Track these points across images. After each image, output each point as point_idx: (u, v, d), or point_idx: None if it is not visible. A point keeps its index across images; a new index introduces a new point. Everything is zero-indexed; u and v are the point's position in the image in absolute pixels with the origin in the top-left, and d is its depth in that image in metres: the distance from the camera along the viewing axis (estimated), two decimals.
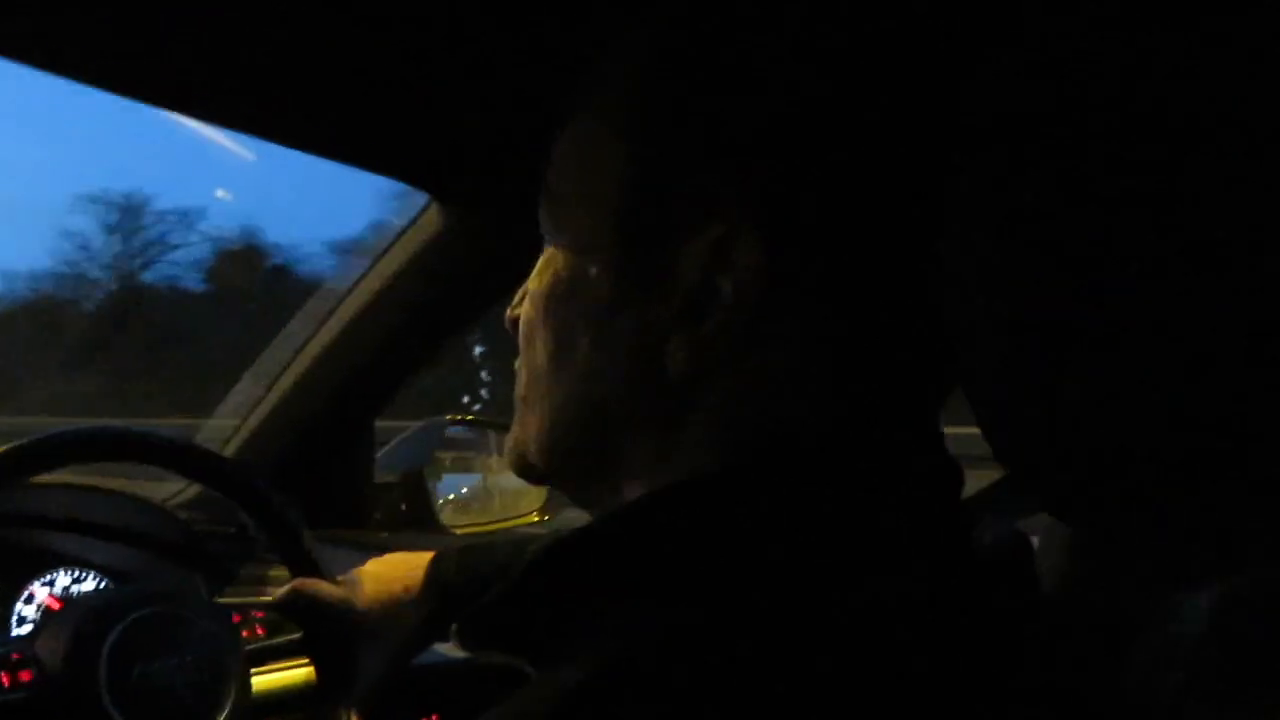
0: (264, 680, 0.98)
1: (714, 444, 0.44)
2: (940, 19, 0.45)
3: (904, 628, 0.38)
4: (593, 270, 0.47)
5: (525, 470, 0.52)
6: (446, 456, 1.54)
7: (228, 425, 1.30)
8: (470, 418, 1.53)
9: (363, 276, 1.22)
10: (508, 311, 0.55)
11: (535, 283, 0.50)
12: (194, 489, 1.27)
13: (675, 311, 0.44)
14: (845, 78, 0.43)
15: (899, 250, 0.44)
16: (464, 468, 1.64)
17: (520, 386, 0.52)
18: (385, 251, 1.19)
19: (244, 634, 1.00)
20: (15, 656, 0.82)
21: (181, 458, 1.01)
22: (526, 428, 0.51)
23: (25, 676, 0.81)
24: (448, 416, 1.51)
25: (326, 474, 1.33)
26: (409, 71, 0.84)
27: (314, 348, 1.25)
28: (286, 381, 1.27)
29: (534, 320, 0.50)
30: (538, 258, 0.51)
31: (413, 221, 1.16)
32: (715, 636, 0.37)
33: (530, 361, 0.50)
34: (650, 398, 0.45)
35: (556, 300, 0.48)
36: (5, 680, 0.80)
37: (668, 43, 0.46)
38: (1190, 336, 0.37)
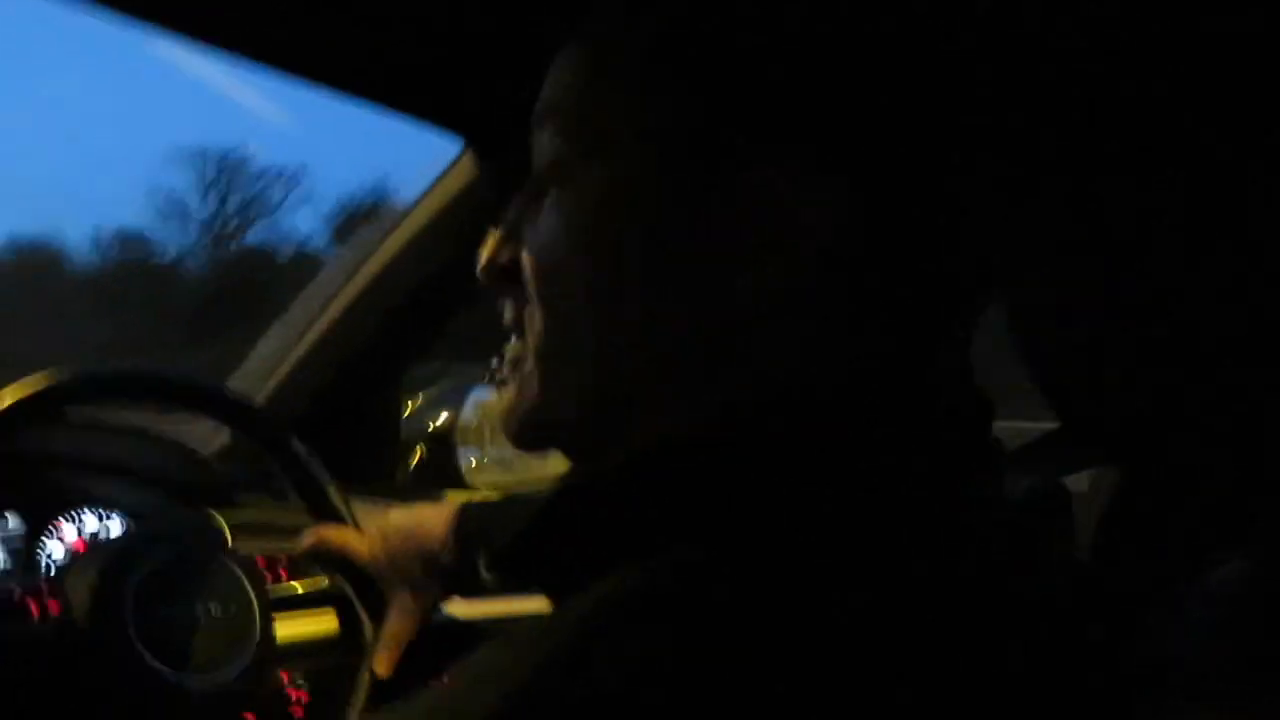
0: (287, 628, 0.99)
1: (756, 382, 0.42)
2: None
3: (921, 572, 0.37)
4: (644, 201, 0.42)
5: (543, 431, 0.47)
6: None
7: (261, 371, 1.31)
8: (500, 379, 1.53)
9: (395, 225, 1.21)
10: (493, 256, 0.48)
11: (557, 218, 0.45)
12: (224, 436, 1.27)
13: (746, 248, 0.41)
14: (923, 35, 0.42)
15: (952, 196, 0.43)
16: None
17: (539, 340, 0.45)
18: (419, 200, 1.18)
19: (268, 580, 1.00)
20: (45, 590, 0.83)
21: (212, 402, 1.02)
22: (552, 389, 0.45)
23: (55, 610, 0.82)
24: (477, 379, 1.51)
25: (354, 426, 1.33)
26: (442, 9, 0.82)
27: (345, 297, 1.25)
28: (316, 332, 1.27)
29: (568, 258, 0.44)
30: None
31: (447, 170, 1.15)
32: (725, 572, 0.36)
33: (555, 310, 0.45)
34: (707, 334, 0.42)
35: (600, 234, 0.43)
36: (36, 612, 0.81)
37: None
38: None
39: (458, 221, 1.16)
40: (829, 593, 0.35)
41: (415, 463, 1.41)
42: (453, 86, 0.97)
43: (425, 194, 1.17)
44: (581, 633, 0.35)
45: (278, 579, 1.04)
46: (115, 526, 1.17)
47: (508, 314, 0.48)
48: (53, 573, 1.10)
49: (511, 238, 0.47)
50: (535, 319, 0.45)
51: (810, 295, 0.41)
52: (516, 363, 0.47)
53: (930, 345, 0.43)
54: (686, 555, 0.37)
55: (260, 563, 1.02)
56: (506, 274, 0.47)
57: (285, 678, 1.05)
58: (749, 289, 0.41)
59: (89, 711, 0.81)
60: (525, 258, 0.46)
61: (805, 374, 0.42)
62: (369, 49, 0.89)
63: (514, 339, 0.48)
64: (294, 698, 1.07)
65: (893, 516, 0.38)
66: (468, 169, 1.11)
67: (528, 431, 0.47)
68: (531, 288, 0.45)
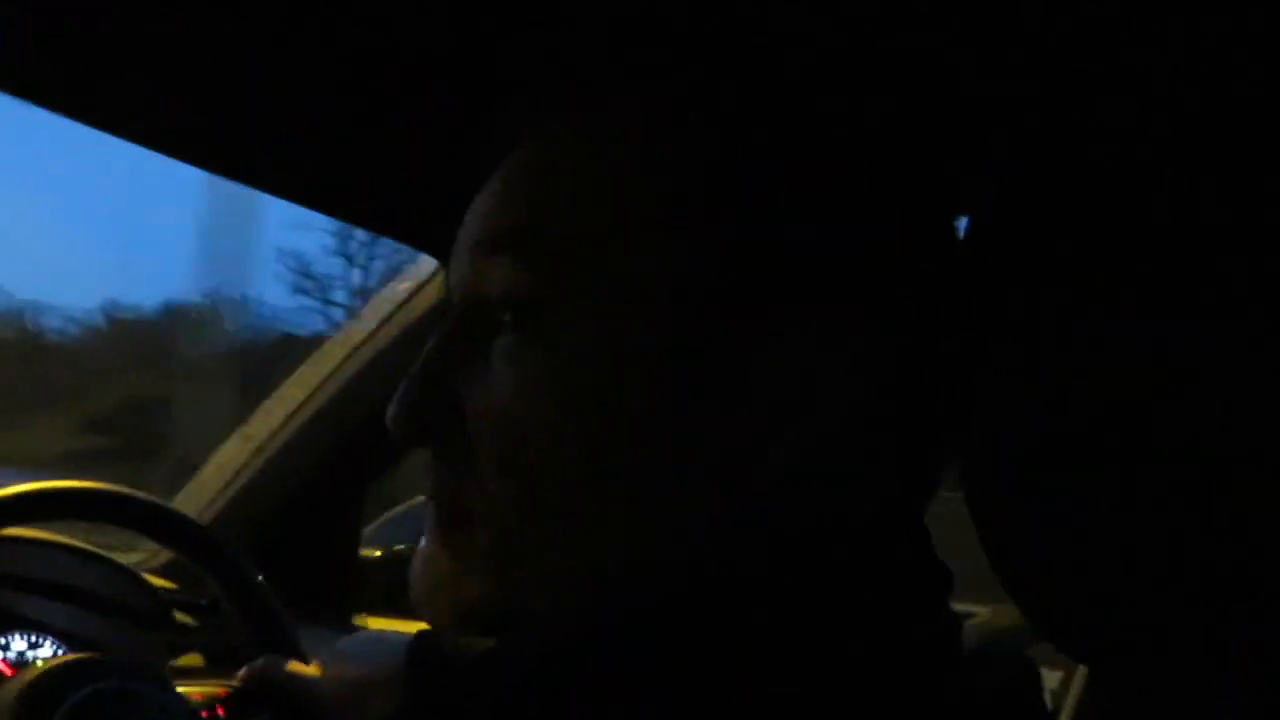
0: None
1: (758, 538, 0.38)
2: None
3: None
4: (655, 360, 0.37)
5: (487, 627, 0.40)
6: None
7: (209, 491, 1.27)
8: None
9: (364, 339, 1.20)
10: (403, 409, 0.41)
11: (527, 368, 0.38)
12: (166, 554, 1.23)
13: (770, 412, 0.37)
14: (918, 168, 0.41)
15: (952, 330, 0.41)
16: None
17: (498, 517, 0.38)
18: (388, 316, 1.17)
19: (203, 715, 0.95)
20: None
21: (152, 520, 0.99)
22: (508, 573, 0.39)
23: None
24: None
25: (310, 548, 1.29)
26: (421, 140, 0.80)
27: (305, 411, 1.23)
28: (275, 445, 1.24)
29: (536, 423, 0.37)
30: None
31: (416, 288, 1.15)
32: None
33: (525, 482, 0.38)
34: (730, 506, 0.37)
35: (591, 397, 0.37)
36: None
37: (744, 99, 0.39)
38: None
39: (427, 336, 1.15)
40: None
41: (375, 590, 1.37)
42: (427, 211, 0.97)
43: (394, 311, 1.17)
44: None
45: (212, 716, 0.99)
46: (45, 650, 1.11)
47: (431, 478, 0.41)
48: None
49: (440, 384, 0.40)
50: (490, 488, 0.38)
51: (831, 461, 0.37)
52: (439, 540, 0.41)
53: (918, 506, 0.41)
54: None
55: (197, 697, 0.96)
56: (430, 430, 0.40)
57: None
58: (792, 449, 0.37)
59: None
60: (472, 412, 0.39)
61: (809, 536, 0.38)
62: (344, 174, 0.89)
63: (434, 508, 0.41)
64: None
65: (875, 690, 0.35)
66: (438, 286, 1.11)
67: (465, 620, 0.41)
68: (485, 451, 0.38)
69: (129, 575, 1.16)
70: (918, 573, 0.39)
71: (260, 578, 0.99)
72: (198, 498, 1.27)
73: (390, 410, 0.41)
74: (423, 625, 1.00)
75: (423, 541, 0.42)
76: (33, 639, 1.11)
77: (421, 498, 1.40)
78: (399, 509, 1.64)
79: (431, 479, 0.41)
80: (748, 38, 0.40)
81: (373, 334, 1.19)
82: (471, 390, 0.39)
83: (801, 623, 0.35)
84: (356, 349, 1.20)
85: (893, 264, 0.38)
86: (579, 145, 0.38)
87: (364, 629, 1.16)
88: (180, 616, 1.18)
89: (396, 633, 0.95)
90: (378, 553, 1.43)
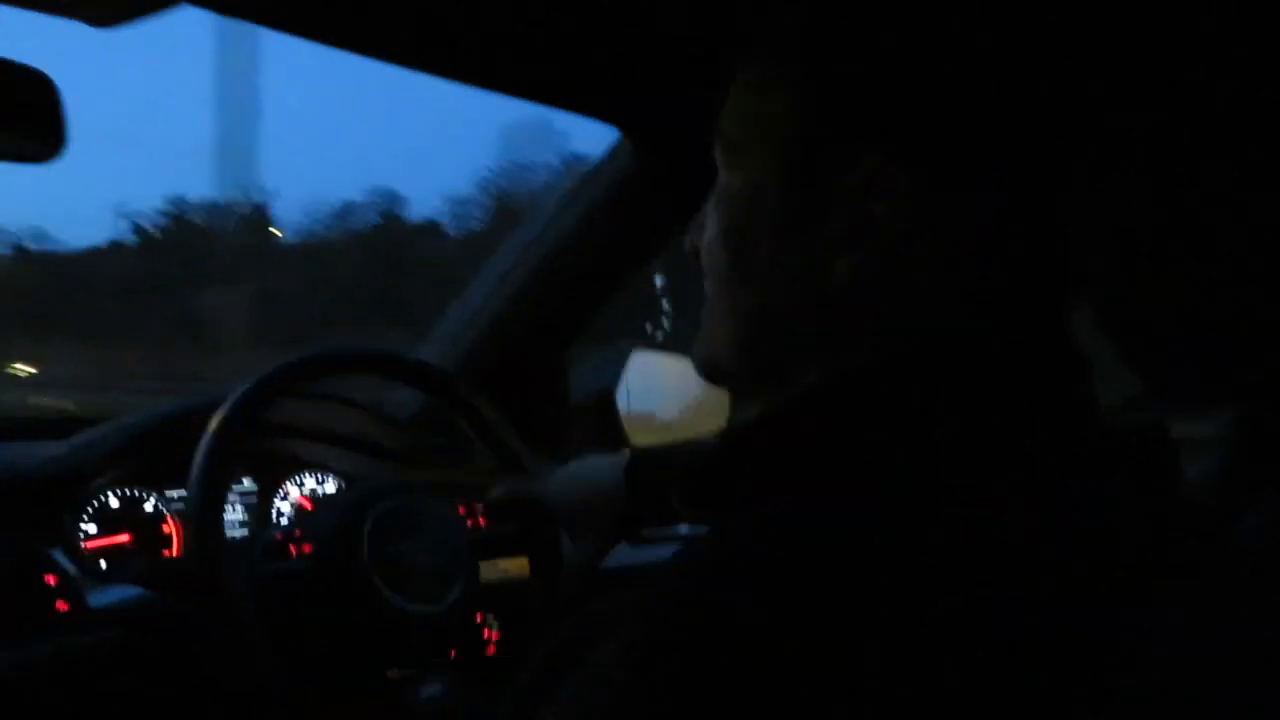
0: (486, 570, 1.16)
1: (870, 347, 0.54)
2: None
3: (1014, 515, 0.46)
4: (766, 198, 0.56)
5: (713, 373, 0.62)
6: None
7: (438, 350, 1.48)
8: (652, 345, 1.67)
9: (559, 211, 1.36)
10: (688, 240, 0.63)
11: (714, 211, 0.59)
12: (417, 403, 1.46)
13: (839, 233, 0.53)
14: (975, 48, 0.54)
15: (1029, 181, 0.54)
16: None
17: (708, 300, 0.60)
18: (579, 187, 1.33)
19: (469, 524, 1.19)
20: (298, 533, 1.03)
21: (414, 373, 1.21)
22: (714, 336, 0.60)
23: (307, 549, 1.03)
24: (633, 341, 1.65)
25: (529, 395, 1.48)
26: (602, 11, 0.95)
27: (516, 278, 1.41)
28: (493, 307, 1.43)
29: (716, 242, 0.59)
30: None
31: (605, 159, 1.29)
32: (833, 519, 0.46)
33: (714, 278, 0.59)
34: (818, 306, 0.55)
35: (734, 224, 0.57)
36: (293, 551, 1.02)
37: (831, 13, 0.56)
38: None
39: (616, 205, 1.31)
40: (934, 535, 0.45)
41: (583, 424, 1.57)
42: (610, 84, 1.12)
43: (586, 179, 1.33)
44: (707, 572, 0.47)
45: (476, 525, 1.23)
46: (330, 486, 1.38)
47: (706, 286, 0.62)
48: (285, 523, 1.31)
49: (698, 227, 0.62)
50: (705, 284, 0.61)
51: (899, 275, 0.53)
52: (703, 317, 0.62)
53: (1021, 308, 0.54)
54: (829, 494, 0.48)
55: (461, 511, 1.21)
56: (695, 251, 0.62)
57: (480, 618, 1.24)
58: (846, 268, 0.53)
59: (333, 630, 1.01)
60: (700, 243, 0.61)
61: (906, 339, 0.53)
62: (533, 51, 1.04)
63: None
64: (488, 636, 1.26)
65: (984, 469, 0.48)
66: (624, 157, 1.26)
67: (703, 368, 0.62)
68: (702, 263, 0.61)
69: (391, 422, 1.41)
70: (1033, 362, 0.53)
71: (490, 407, 1.20)
72: (432, 353, 1.49)
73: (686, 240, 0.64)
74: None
75: None
76: (319, 477, 1.37)
77: (619, 343, 1.58)
78: (596, 357, 1.81)
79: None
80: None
81: (567, 204, 1.36)
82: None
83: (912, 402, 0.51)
84: (551, 222, 1.37)
85: (935, 122, 0.53)
86: (745, 85, 0.59)
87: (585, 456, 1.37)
88: (435, 456, 1.42)
89: (614, 456, 1.15)
90: (580, 396, 1.63)
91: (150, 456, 1.16)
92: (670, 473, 1.06)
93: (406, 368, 1.20)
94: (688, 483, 0.56)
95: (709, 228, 0.60)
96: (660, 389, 1.88)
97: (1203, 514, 0.55)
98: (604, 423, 1.60)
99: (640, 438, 1.69)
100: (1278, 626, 0.43)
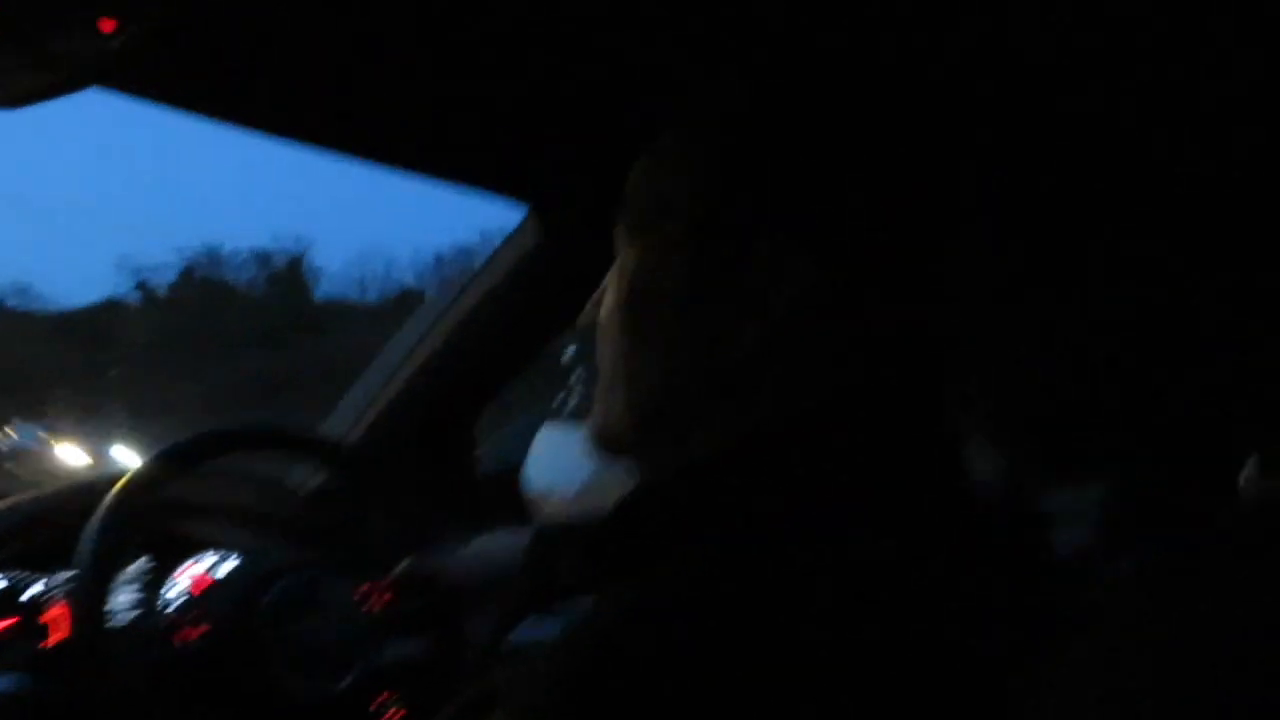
0: (389, 648, 1.15)
1: (763, 415, 0.56)
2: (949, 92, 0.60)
3: (890, 580, 0.49)
4: (672, 272, 0.58)
5: (609, 444, 0.63)
6: None
7: (343, 426, 1.47)
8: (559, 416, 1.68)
9: (468, 285, 1.38)
10: (585, 314, 0.65)
11: (616, 280, 0.61)
12: (318, 478, 1.45)
13: (743, 307, 0.56)
14: (873, 145, 0.58)
15: (912, 272, 0.58)
16: None
17: (604, 374, 0.62)
18: (488, 261, 1.35)
19: (371, 603, 1.18)
20: (194, 614, 1.01)
21: (319, 449, 1.21)
22: (610, 408, 0.61)
23: (203, 630, 1.01)
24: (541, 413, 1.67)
25: (435, 470, 1.49)
26: (513, 94, 0.96)
27: (423, 352, 1.42)
28: (396, 385, 1.44)
29: (617, 313, 0.60)
30: None
31: (513, 234, 1.32)
32: (740, 568, 0.49)
33: (614, 349, 0.61)
34: (719, 375, 0.57)
35: (637, 297, 0.59)
36: (188, 633, 1.00)
37: (749, 101, 0.60)
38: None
39: (524, 279, 1.33)
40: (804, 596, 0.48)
41: (490, 498, 1.57)
42: (517, 161, 1.15)
43: (495, 254, 1.35)
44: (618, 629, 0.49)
45: (379, 604, 1.22)
46: (228, 565, 1.34)
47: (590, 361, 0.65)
48: (181, 604, 1.27)
49: (598, 297, 0.64)
50: (601, 357, 0.62)
51: (797, 346, 0.56)
52: (597, 392, 0.63)
53: (902, 380, 0.57)
54: (711, 554, 0.50)
55: (363, 589, 1.19)
56: (591, 324, 0.64)
57: (385, 697, 1.22)
58: (753, 337, 0.56)
59: (230, 714, 0.99)
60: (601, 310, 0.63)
61: (801, 403, 0.56)
62: (440, 130, 1.06)
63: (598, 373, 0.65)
64: (391, 717, 1.23)
65: (855, 532, 0.51)
66: (531, 232, 1.29)
67: (599, 441, 0.63)
68: (598, 336, 0.63)
69: (293, 498, 1.39)
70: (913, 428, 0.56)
71: (396, 484, 1.20)
72: (335, 428, 1.48)
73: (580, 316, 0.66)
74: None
75: None
76: (217, 556, 1.34)
77: (528, 416, 1.59)
78: (503, 431, 1.82)
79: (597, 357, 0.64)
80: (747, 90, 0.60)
81: (472, 283, 1.37)
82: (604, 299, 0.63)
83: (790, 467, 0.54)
84: (459, 296, 1.39)
85: (833, 213, 0.56)
86: (653, 164, 0.62)
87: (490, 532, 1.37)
88: (337, 532, 1.40)
89: (519, 532, 1.15)
90: (487, 470, 1.63)
91: (39, 538, 1.13)
92: (573, 547, 1.07)
93: (308, 443, 1.20)
94: (582, 553, 0.57)
95: (609, 299, 0.62)
96: (569, 462, 1.90)
97: (1072, 577, 0.57)
98: (511, 497, 1.61)
99: (548, 511, 1.70)
100: (1154, 669, 0.44)
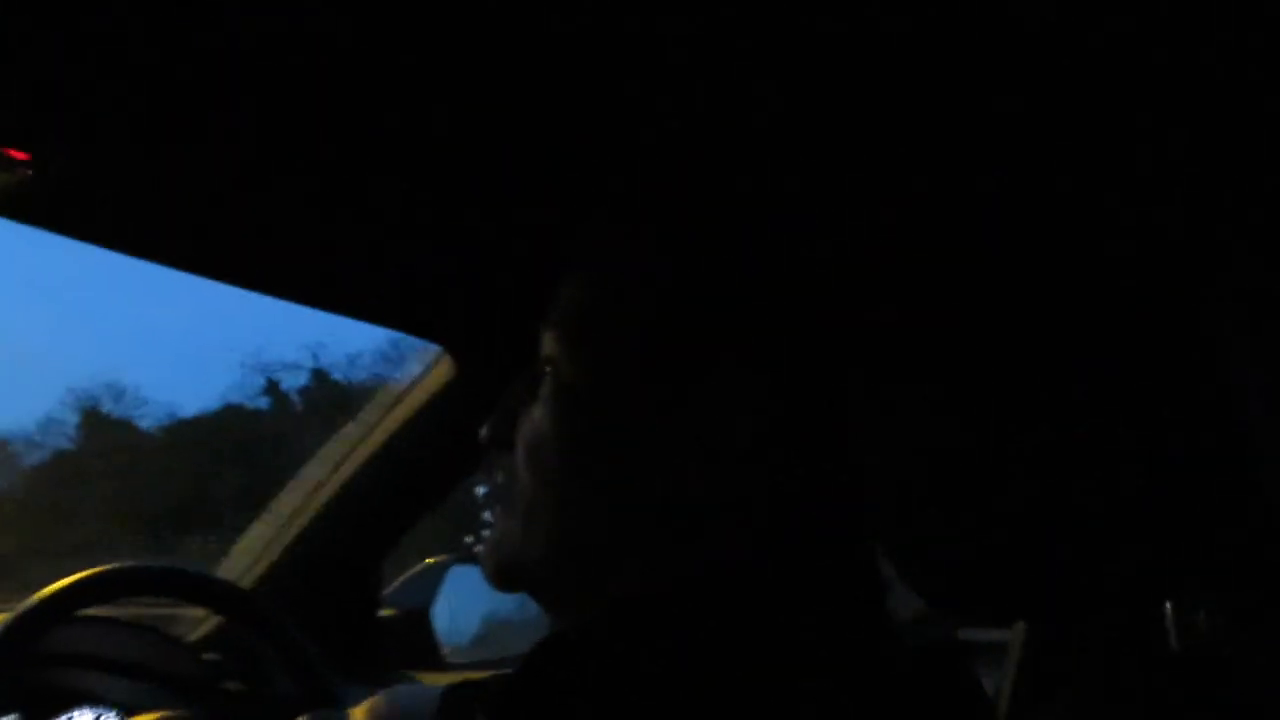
0: None
1: (700, 559, 0.54)
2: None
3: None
4: (611, 399, 0.56)
5: (512, 578, 0.59)
6: None
7: (241, 564, 1.42)
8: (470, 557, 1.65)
9: (377, 420, 1.36)
10: (489, 428, 0.61)
11: (547, 409, 0.57)
12: (212, 623, 1.38)
13: (695, 442, 0.54)
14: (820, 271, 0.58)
15: (858, 406, 0.58)
16: None
17: (522, 498, 0.58)
18: (398, 399, 1.33)
19: None
20: None
21: (210, 593, 1.14)
22: (530, 536, 0.57)
23: None
24: (450, 556, 1.63)
25: (336, 612, 1.43)
26: (424, 234, 0.97)
27: (328, 490, 1.38)
28: (300, 522, 1.39)
29: (546, 438, 0.57)
30: None
31: (424, 371, 1.31)
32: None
33: (537, 479, 0.57)
34: (659, 521, 0.55)
35: (575, 426, 0.56)
36: None
37: (710, 200, 0.60)
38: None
39: (435, 417, 1.31)
40: None
41: (397, 644, 1.51)
42: (428, 301, 1.15)
43: (406, 390, 1.33)
44: None
45: None
46: None
47: (498, 477, 0.61)
48: None
49: (509, 414, 0.61)
50: (519, 481, 0.58)
51: (747, 485, 0.54)
52: (500, 517, 0.60)
53: (836, 529, 0.57)
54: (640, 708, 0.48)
55: None
56: (500, 443, 0.60)
57: None
58: (700, 480, 0.54)
59: None
60: (519, 432, 0.59)
61: (739, 550, 0.54)
62: (353, 272, 1.06)
63: (498, 502, 0.61)
64: None
65: (808, 667, 0.50)
66: (444, 369, 1.27)
67: (505, 571, 0.59)
68: (520, 458, 0.59)
69: (179, 647, 1.31)
70: (842, 583, 0.55)
71: (302, 638, 1.14)
72: (231, 571, 1.42)
73: (483, 429, 0.62)
74: (441, 677, 1.15)
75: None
76: (97, 714, 1.25)
77: (430, 561, 1.56)
78: (411, 572, 1.77)
79: (498, 480, 0.61)
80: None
81: (386, 414, 1.35)
82: (526, 415, 0.60)
83: (735, 617, 0.52)
84: (369, 434, 1.36)
85: (786, 337, 0.56)
86: (591, 281, 0.59)
87: (397, 683, 1.31)
88: (228, 684, 1.33)
89: (430, 685, 1.10)
90: (394, 612, 1.58)
91: None
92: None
93: (197, 586, 1.13)
94: (497, 710, 0.54)
95: (538, 425, 0.59)
96: (480, 605, 1.85)
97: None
98: (419, 642, 1.55)
99: (458, 657, 1.64)
100: None
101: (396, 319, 1.20)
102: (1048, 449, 0.59)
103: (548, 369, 0.59)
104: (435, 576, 1.69)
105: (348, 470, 1.37)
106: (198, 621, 1.39)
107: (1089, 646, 0.65)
